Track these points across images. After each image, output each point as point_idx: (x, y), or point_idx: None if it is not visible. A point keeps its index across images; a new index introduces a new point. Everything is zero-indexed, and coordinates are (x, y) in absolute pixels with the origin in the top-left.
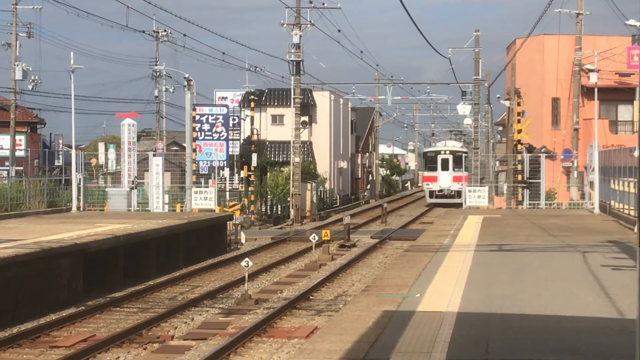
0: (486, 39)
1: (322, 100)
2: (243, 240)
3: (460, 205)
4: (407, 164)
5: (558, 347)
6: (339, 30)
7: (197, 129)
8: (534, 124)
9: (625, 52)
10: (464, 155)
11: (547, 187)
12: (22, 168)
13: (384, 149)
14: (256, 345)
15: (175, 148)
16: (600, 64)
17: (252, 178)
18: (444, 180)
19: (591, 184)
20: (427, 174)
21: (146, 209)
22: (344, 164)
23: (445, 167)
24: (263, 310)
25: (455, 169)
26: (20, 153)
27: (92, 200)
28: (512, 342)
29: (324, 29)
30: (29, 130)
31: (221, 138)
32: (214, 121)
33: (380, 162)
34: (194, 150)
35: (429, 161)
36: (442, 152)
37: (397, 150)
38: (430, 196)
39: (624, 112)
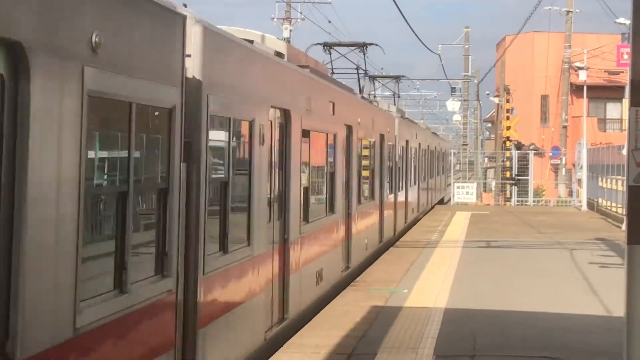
0: (477, 36)
1: None
2: None
3: None
4: None
5: (545, 344)
6: (330, 22)
7: None
8: (523, 121)
9: (615, 50)
10: None
11: (535, 184)
12: None
13: None
14: None
15: None
16: (590, 61)
17: None
18: None
19: (579, 181)
20: None
21: None
22: None
23: None
24: None
25: None
26: None
27: None
28: (499, 339)
29: (315, 25)
30: None
31: None
32: None
33: None
34: None
35: None
36: None
37: None
38: None
39: (613, 110)
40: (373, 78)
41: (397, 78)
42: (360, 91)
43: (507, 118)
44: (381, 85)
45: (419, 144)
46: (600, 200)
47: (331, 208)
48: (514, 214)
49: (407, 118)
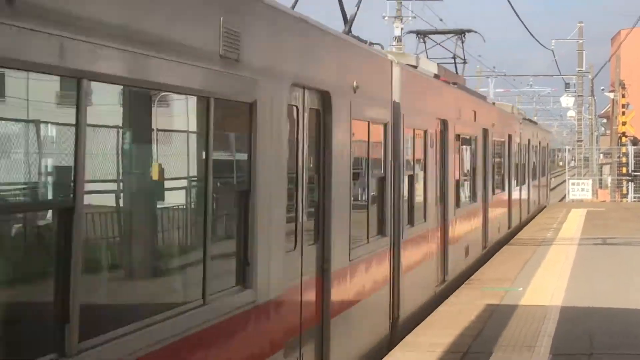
0: (590, 31)
1: None
2: None
3: None
4: None
5: None
6: (441, 20)
7: None
8: None
9: None
10: None
11: None
12: None
13: None
14: None
15: None
16: None
17: None
18: None
19: None
20: None
21: None
22: None
23: None
24: None
25: None
26: None
27: None
28: (616, 337)
29: (426, 23)
30: None
31: None
32: None
33: None
34: None
35: None
36: None
37: None
38: None
39: None
40: (423, 35)
41: (460, 33)
42: (346, 24)
43: (623, 113)
44: (435, 44)
45: (485, 130)
46: None
47: None
48: (630, 211)
49: (442, 80)
